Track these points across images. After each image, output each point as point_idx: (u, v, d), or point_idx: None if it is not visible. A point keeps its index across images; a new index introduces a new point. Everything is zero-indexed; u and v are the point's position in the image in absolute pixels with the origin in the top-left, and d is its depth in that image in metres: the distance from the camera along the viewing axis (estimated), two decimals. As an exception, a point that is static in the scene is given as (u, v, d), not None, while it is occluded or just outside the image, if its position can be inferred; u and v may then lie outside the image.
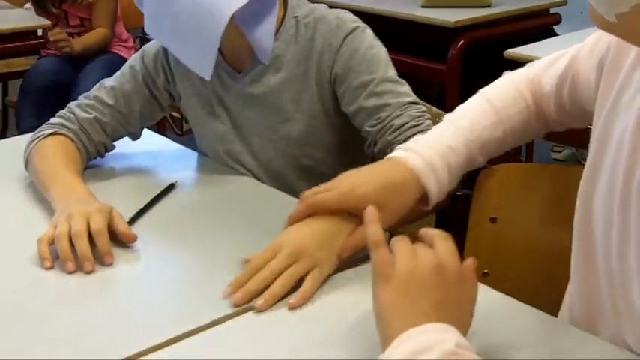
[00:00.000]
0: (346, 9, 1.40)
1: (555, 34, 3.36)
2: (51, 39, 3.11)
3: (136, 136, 1.48)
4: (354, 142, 1.40)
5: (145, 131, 1.51)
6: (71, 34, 3.30)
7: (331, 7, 1.41)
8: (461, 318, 0.80)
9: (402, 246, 0.82)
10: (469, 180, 1.38)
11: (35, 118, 3.02)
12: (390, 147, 1.24)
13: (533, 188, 1.31)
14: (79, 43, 3.20)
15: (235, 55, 1.38)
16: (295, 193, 1.37)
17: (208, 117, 1.44)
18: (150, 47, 1.46)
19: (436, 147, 1.06)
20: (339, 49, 1.32)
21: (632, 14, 0.77)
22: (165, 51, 1.44)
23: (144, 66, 1.45)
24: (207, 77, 1.25)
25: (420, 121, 1.27)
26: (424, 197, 1.06)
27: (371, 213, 0.85)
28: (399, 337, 0.74)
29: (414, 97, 1.31)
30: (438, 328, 0.75)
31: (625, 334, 0.92)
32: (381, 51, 1.34)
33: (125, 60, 3.24)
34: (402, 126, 1.26)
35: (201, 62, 1.24)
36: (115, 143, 1.46)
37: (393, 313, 0.78)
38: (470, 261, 0.83)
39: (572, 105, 1.09)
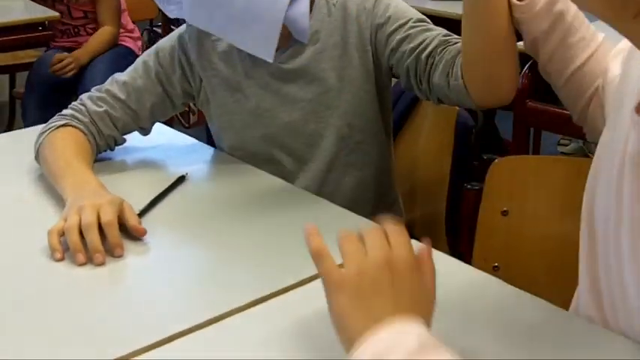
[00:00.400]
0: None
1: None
2: (53, 69, 3.08)
3: (146, 132, 1.48)
4: (389, 117, 1.44)
5: (156, 124, 1.51)
6: (75, 27, 3.30)
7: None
8: (422, 308, 0.77)
9: (348, 247, 0.77)
10: (480, 173, 1.38)
11: (40, 111, 3.04)
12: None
13: (544, 181, 1.30)
14: (86, 53, 3.16)
15: None
16: (334, 164, 1.41)
17: (238, 103, 1.43)
18: (164, 43, 1.46)
19: None
20: (374, 7, 1.36)
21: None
22: (182, 45, 1.44)
23: (158, 63, 1.44)
24: (271, 59, 1.24)
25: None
26: None
27: (309, 227, 0.80)
28: (357, 342, 0.71)
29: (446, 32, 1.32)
30: (397, 329, 0.72)
31: (622, 326, 0.92)
32: (409, 5, 1.38)
33: (132, 51, 3.31)
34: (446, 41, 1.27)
35: (264, 46, 1.23)
36: (126, 136, 1.46)
37: (349, 319, 0.74)
38: (423, 248, 0.80)
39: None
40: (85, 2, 3.23)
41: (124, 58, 3.22)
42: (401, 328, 0.72)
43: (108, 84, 1.45)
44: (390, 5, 1.36)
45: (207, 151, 1.52)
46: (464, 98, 1.20)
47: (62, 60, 3.10)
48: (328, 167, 1.41)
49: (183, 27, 1.45)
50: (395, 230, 0.79)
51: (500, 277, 1.02)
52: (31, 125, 2.93)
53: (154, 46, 1.48)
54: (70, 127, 1.38)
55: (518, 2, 1.06)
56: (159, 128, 1.54)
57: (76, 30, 3.31)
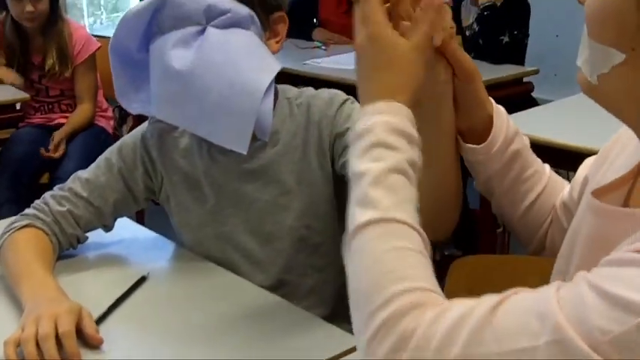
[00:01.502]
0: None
1: (533, 99, 3.43)
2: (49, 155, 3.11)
3: (109, 228, 1.48)
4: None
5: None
6: (50, 104, 3.32)
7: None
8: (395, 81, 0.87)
9: None
10: (440, 269, 1.39)
11: (11, 191, 3.02)
12: None
13: (503, 279, 1.31)
14: (65, 133, 3.18)
15: None
16: (291, 268, 1.40)
17: (196, 201, 1.44)
18: (127, 140, 1.48)
19: None
20: (336, 115, 1.37)
21: (611, 76, 0.79)
22: (145, 143, 1.45)
23: (121, 159, 1.45)
24: (245, 151, 1.23)
25: None
26: None
27: None
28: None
29: None
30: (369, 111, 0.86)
31: None
32: None
33: (105, 130, 3.32)
34: None
35: (238, 138, 1.22)
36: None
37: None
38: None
39: None
40: (63, 80, 3.26)
41: (97, 138, 3.25)
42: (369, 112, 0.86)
43: (70, 182, 1.46)
44: (352, 116, 1.36)
45: (169, 247, 1.52)
46: None
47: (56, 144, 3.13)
48: (285, 269, 1.41)
49: (145, 124, 1.47)
50: None
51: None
52: (3, 205, 2.95)
53: (117, 143, 1.49)
54: (32, 228, 1.38)
55: (474, 145, 1.04)
56: (122, 222, 1.54)
57: (50, 107, 3.34)
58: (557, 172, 1.14)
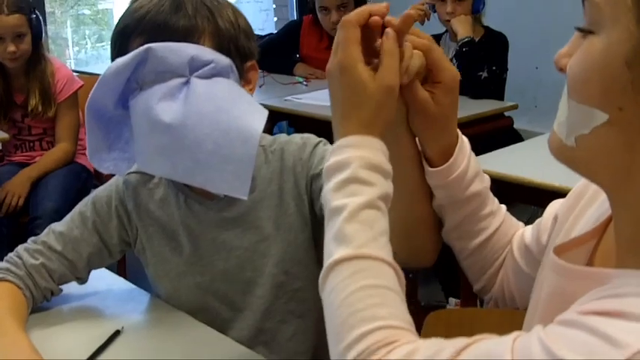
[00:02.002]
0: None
1: (515, 131, 3.46)
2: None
3: (83, 281, 1.48)
4: None
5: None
6: (31, 142, 3.31)
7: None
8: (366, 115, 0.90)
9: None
10: (416, 320, 1.40)
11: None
12: None
13: (479, 332, 1.32)
14: (37, 170, 3.14)
15: None
16: (271, 312, 1.40)
17: (174, 252, 1.44)
18: (101, 192, 1.48)
19: None
20: (310, 157, 1.38)
21: (591, 137, 0.77)
22: (119, 194, 1.45)
23: (95, 212, 1.46)
24: (245, 197, 1.22)
25: None
26: None
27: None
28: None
29: None
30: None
31: None
32: None
33: (85, 168, 3.31)
34: None
35: (237, 185, 1.21)
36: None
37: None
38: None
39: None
40: (46, 119, 3.24)
41: (78, 176, 3.24)
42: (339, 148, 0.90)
43: (45, 235, 1.45)
44: (326, 157, 1.38)
45: (145, 298, 1.51)
46: None
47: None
48: (264, 315, 1.41)
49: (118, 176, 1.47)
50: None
51: None
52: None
53: (91, 195, 1.50)
54: (5, 282, 1.38)
55: (429, 168, 1.05)
56: (97, 273, 1.53)
57: (31, 145, 3.32)
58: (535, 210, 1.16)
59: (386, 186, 0.88)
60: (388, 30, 0.94)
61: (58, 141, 3.27)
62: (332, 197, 0.87)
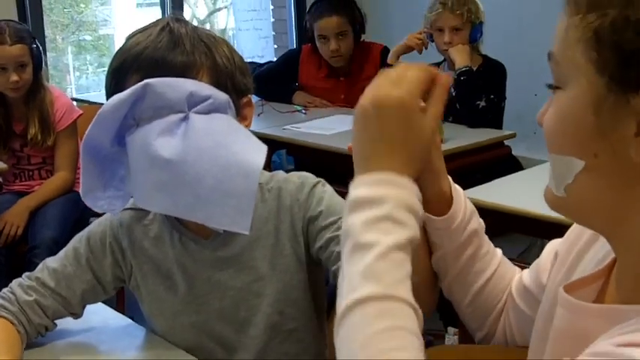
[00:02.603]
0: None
1: (514, 159, 3.46)
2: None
3: (77, 316, 1.47)
4: (323, 298, 1.43)
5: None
6: (30, 171, 3.31)
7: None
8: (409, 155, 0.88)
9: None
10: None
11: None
12: None
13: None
14: (36, 199, 3.13)
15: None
16: (265, 353, 1.40)
17: (169, 291, 1.44)
18: (95, 229, 1.47)
19: None
20: (307, 199, 1.38)
21: (576, 185, 0.81)
22: (113, 231, 1.45)
23: (89, 249, 1.45)
24: (247, 232, 1.22)
25: None
26: None
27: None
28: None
29: None
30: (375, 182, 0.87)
31: None
32: (341, 200, 1.38)
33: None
34: None
35: (239, 219, 1.21)
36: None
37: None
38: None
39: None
40: (46, 148, 3.24)
41: (76, 204, 3.21)
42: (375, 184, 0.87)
43: (38, 271, 1.45)
44: (324, 199, 1.37)
45: (140, 333, 1.50)
46: None
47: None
48: (259, 356, 1.40)
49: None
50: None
51: None
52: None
53: (85, 231, 1.49)
54: (-1, 318, 1.37)
55: (434, 217, 1.05)
56: (92, 307, 1.52)
57: (30, 174, 3.32)
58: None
59: (416, 228, 0.87)
60: (446, 78, 0.94)
61: (57, 170, 3.27)
62: (361, 230, 0.85)
